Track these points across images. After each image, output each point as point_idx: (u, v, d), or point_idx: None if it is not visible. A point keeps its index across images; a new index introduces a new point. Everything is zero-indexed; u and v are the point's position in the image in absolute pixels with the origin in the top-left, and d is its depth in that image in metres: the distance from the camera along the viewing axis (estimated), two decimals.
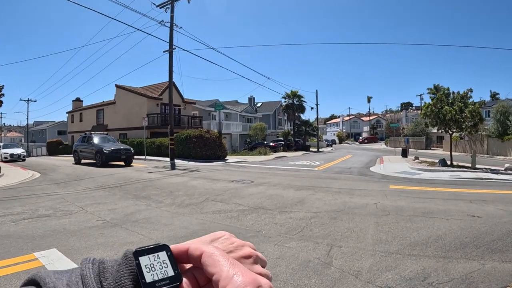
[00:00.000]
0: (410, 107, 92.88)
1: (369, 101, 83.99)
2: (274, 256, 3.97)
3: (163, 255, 0.42)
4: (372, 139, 70.51)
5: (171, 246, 0.44)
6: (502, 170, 15.22)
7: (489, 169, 15.74)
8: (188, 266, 0.44)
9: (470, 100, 16.73)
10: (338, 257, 3.97)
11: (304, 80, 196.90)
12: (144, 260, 0.41)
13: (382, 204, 7.18)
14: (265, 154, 30.19)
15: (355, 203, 7.30)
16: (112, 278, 0.39)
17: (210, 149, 21.75)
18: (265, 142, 38.46)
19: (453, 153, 18.79)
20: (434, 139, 47.78)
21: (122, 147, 17.91)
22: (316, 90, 45.65)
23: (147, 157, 22.02)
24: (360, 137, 75.12)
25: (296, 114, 42.92)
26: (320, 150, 42.36)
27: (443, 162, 16.88)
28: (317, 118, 47.99)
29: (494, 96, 42.12)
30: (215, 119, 35.77)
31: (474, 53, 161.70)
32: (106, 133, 22.24)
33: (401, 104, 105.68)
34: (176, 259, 0.43)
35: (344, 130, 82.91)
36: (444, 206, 7.08)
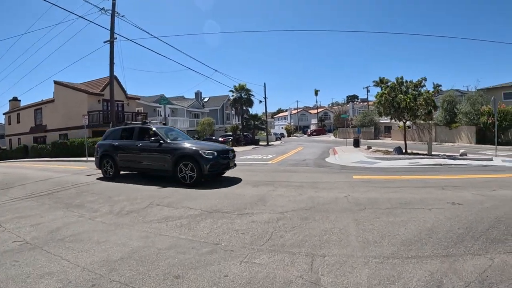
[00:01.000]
0: (356, 100, 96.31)
1: (316, 94, 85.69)
2: (243, 281, 2.91)
3: None
4: (321, 131, 72.17)
5: None
6: (457, 155, 15.45)
7: (445, 155, 15.92)
8: None
9: (424, 88, 16.88)
10: (325, 271, 3.03)
11: (252, 74, 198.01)
12: None
13: (353, 197, 6.42)
14: None
15: (323, 198, 6.47)
16: None
17: None
18: (214, 138, 37.84)
19: (402, 142, 19.01)
20: (382, 129, 49.56)
21: (227, 148, 10.06)
22: (264, 83, 45.42)
23: (89, 158, 19.83)
24: (309, 130, 76.56)
25: (244, 108, 42.52)
26: (269, 143, 42.15)
27: (399, 150, 16.89)
28: (265, 111, 47.71)
29: (436, 87, 44.49)
30: (160, 115, 34.08)
31: (417, 45, 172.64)
32: (163, 122, 15.32)
33: (347, 97, 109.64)
34: None
35: (292, 124, 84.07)
36: (419, 194, 6.50)
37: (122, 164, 10.56)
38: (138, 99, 34.34)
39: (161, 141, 9.58)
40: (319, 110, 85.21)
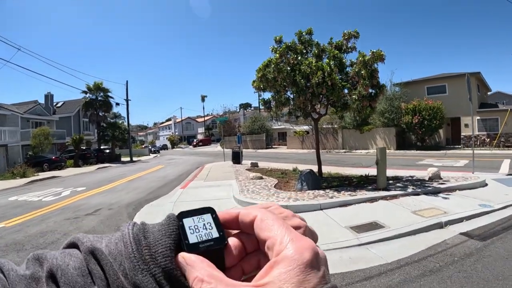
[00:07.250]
0: (249, 107, 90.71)
1: (203, 100, 75.89)
2: None
3: (208, 217, 0.41)
4: (207, 141, 63.10)
5: (220, 212, 0.42)
6: (426, 180, 7.72)
7: (408, 180, 7.77)
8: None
9: (354, 53, 8.80)
10: None
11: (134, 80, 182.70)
12: (188, 222, 0.40)
13: None
14: (23, 176, 19.12)
15: None
16: (153, 237, 0.37)
17: None
18: (49, 156, 26.45)
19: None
20: (276, 136, 42.27)
21: None
22: (126, 81, 34.33)
23: None
24: (194, 140, 66.95)
25: (101, 114, 31.49)
26: (135, 159, 31.68)
27: (312, 181, 8.05)
28: (127, 117, 35.95)
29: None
30: None
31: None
32: None
33: (240, 105, 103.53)
34: (226, 226, 0.41)
35: (176, 133, 74.15)
36: None
37: None
38: None
39: None
40: (207, 118, 75.41)
